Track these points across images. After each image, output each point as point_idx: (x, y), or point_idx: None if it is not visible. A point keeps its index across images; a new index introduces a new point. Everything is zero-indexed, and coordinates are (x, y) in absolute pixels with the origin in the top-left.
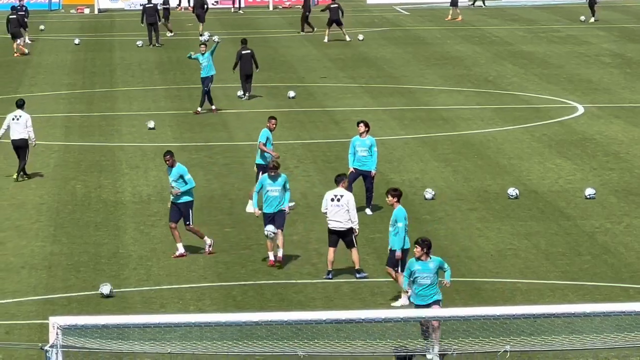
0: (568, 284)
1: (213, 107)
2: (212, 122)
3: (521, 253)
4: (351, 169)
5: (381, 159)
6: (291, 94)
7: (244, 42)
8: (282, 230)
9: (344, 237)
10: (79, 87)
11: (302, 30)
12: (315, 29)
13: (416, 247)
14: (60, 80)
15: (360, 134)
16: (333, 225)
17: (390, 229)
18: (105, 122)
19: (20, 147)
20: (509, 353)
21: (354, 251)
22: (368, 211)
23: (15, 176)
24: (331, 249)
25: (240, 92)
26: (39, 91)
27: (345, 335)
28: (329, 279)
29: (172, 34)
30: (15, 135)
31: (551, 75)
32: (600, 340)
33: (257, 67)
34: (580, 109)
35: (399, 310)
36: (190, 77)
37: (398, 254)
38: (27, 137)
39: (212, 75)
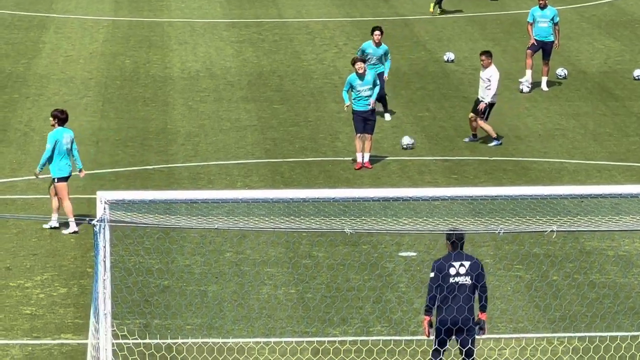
0: (615, 165)
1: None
2: None
3: (569, 133)
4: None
5: (431, 37)
6: None
7: None
8: (371, 135)
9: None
10: None
11: None
12: None
13: None
14: None
15: (376, 44)
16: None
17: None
18: None
19: None
20: (555, 233)
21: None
22: (387, 116)
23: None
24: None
25: None
26: None
27: (393, 213)
28: (499, 143)
29: None
30: None
31: None
32: None
33: None
34: None
35: (447, 189)
36: None
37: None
38: None
39: None
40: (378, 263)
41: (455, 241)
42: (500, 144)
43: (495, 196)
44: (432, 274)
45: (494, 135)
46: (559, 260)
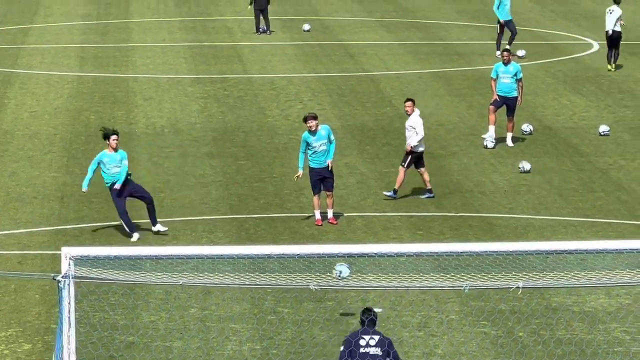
0: (581, 221)
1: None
2: (226, 55)
3: (534, 189)
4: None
5: (396, 93)
6: (306, 27)
7: None
8: (332, 192)
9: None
10: (93, 18)
11: None
12: None
13: None
14: (75, 10)
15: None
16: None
17: None
18: (119, 53)
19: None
20: (521, 289)
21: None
22: (160, 227)
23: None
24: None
25: (255, 30)
26: (54, 21)
27: (357, 269)
28: (393, 197)
29: None
30: (608, 26)
31: (567, 12)
32: (612, 277)
33: (268, 2)
34: (596, 46)
35: (412, 245)
36: (205, 9)
37: None
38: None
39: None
40: (343, 319)
41: (363, 319)
42: (431, 197)
43: (461, 252)
44: (341, 348)
45: (397, 187)
46: (524, 317)
